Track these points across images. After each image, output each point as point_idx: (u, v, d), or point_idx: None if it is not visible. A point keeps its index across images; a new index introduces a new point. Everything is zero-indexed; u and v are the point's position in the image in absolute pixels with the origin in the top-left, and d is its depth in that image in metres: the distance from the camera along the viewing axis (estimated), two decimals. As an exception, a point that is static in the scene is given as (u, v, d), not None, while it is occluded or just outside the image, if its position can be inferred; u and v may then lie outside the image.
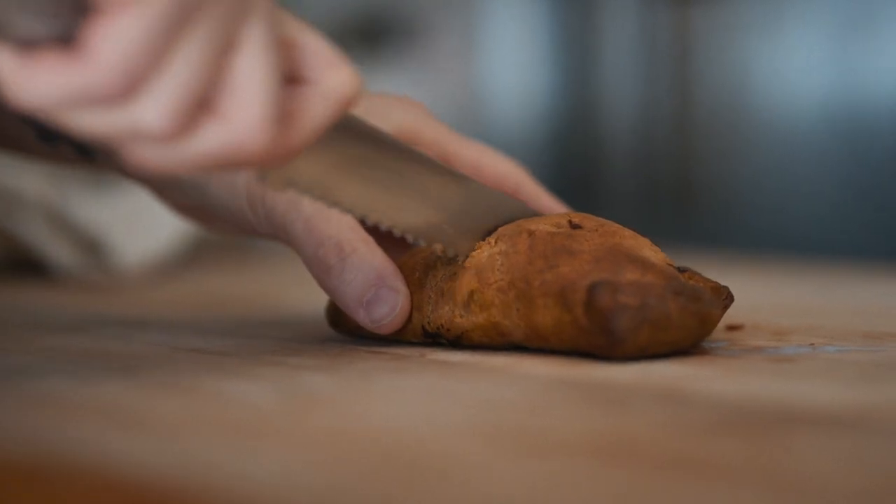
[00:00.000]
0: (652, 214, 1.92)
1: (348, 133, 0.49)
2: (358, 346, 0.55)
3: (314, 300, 0.62)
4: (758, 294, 0.74)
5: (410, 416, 0.42)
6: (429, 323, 0.54)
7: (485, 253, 0.53)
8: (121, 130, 0.40)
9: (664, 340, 0.49)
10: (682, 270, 0.52)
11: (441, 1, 2.16)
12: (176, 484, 0.33)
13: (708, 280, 0.52)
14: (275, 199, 0.54)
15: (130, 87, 0.39)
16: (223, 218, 0.57)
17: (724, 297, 0.52)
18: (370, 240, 0.54)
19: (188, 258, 1.03)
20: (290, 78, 0.43)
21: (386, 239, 0.56)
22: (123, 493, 0.33)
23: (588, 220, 0.53)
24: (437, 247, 0.53)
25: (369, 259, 0.53)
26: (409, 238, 0.52)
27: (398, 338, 0.55)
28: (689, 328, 0.49)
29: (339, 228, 0.53)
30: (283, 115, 0.42)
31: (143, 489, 0.33)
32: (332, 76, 0.43)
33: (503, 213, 0.55)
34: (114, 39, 0.38)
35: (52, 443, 0.38)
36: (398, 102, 0.59)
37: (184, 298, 0.77)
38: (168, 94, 0.39)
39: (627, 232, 0.52)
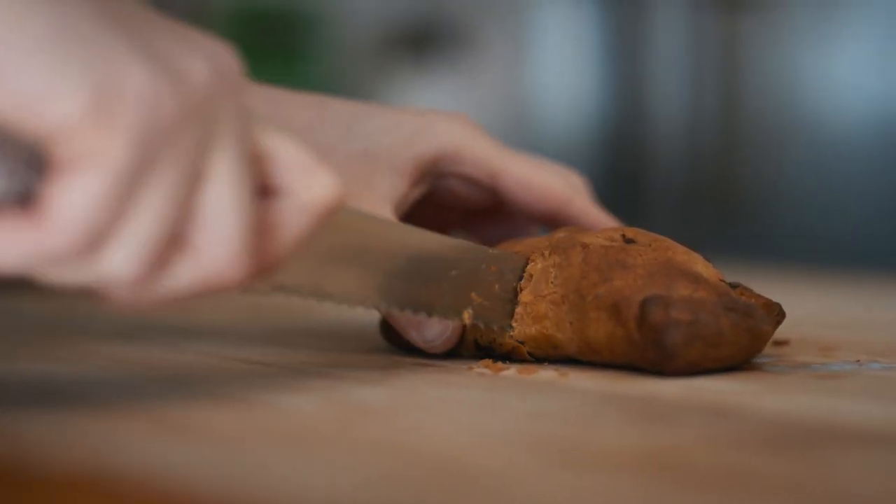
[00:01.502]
0: (698, 222, 1.91)
1: (332, 223, 0.45)
2: (404, 358, 0.55)
3: (355, 310, 0.63)
4: (803, 307, 0.74)
5: (459, 428, 0.42)
6: (481, 337, 0.54)
7: (538, 265, 0.53)
8: (91, 281, 0.38)
9: (716, 356, 0.49)
10: (733, 286, 0.52)
11: (490, 9, 2.16)
12: (230, 494, 0.33)
13: (759, 296, 0.52)
14: None
15: (93, 244, 0.37)
16: None
17: (776, 314, 0.52)
18: None
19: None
20: (266, 190, 0.41)
21: None
22: (178, 503, 0.33)
23: (641, 235, 0.53)
24: (465, 316, 0.52)
25: None
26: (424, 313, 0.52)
27: (450, 351, 0.55)
28: (740, 345, 0.49)
29: None
30: (261, 229, 0.41)
31: (198, 499, 0.33)
32: (308, 186, 0.41)
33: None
34: (72, 198, 0.36)
35: (108, 452, 0.38)
36: (443, 119, 0.58)
37: (227, 304, 0.77)
38: (135, 242, 0.37)
39: (680, 247, 0.52)
